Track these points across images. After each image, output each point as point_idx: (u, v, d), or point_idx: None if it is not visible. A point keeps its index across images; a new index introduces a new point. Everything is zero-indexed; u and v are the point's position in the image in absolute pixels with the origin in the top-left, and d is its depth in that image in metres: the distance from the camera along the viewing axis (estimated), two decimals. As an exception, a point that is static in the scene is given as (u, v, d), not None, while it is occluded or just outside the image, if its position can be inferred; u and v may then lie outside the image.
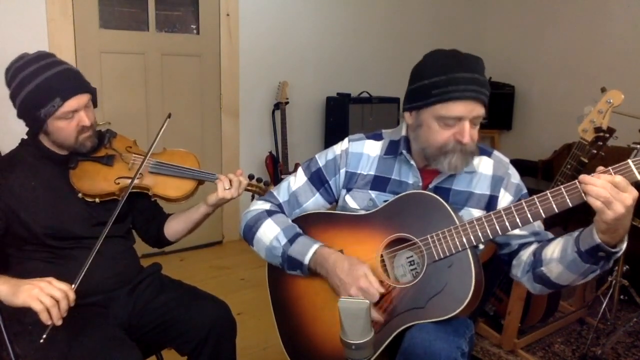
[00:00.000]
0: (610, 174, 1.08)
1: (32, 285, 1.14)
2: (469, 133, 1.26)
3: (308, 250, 1.34)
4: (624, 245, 1.15)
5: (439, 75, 1.23)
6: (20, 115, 1.42)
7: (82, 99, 1.41)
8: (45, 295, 1.13)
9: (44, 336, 1.15)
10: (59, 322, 1.15)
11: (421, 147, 1.33)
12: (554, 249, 1.25)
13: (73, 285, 1.20)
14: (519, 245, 1.36)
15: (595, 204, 1.06)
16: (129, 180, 1.48)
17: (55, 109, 1.36)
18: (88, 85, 1.45)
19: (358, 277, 1.25)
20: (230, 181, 1.55)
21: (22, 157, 1.45)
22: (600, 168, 1.10)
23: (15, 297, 1.14)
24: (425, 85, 1.25)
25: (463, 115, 1.24)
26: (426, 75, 1.26)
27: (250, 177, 1.64)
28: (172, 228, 1.64)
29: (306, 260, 1.33)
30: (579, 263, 1.19)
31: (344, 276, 1.27)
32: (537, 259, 1.29)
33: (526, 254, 1.34)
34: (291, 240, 1.37)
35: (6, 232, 1.39)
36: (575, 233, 1.22)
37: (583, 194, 1.09)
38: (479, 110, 1.25)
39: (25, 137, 1.50)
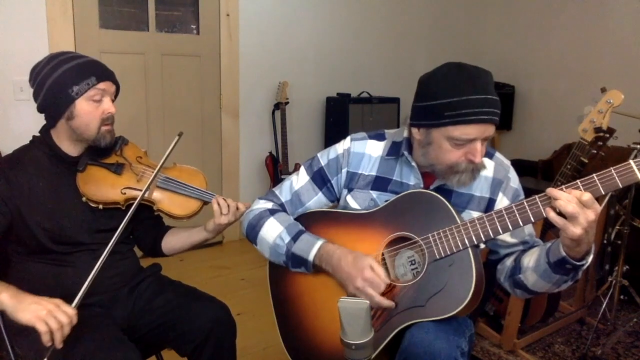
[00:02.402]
0: (579, 187, 1.11)
1: (41, 306, 1.15)
2: (480, 153, 1.26)
3: (312, 247, 1.34)
4: (590, 258, 1.19)
5: (453, 97, 1.21)
6: (46, 100, 1.40)
7: (111, 86, 1.46)
8: (52, 318, 1.14)
9: (45, 359, 1.16)
10: (60, 346, 1.15)
11: (430, 164, 1.32)
12: (530, 258, 1.30)
13: (73, 305, 1.21)
14: (505, 254, 1.40)
15: (557, 221, 1.10)
16: (136, 191, 1.47)
17: (89, 87, 1.39)
18: (116, 77, 1.50)
19: (363, 268, 1.25)
20: (229, 206, 1.50)
21: (33, 155, 1.45)
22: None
23: (21, 314, 1.15)
24: (438, 105, 1.23)
25: (476, 137, 1.24)
26: (439, 95, 1.23)
27: None
28: (170, 244, 1.63)
29: (310, 257, 1.34)
30: (550, 273, 1.23)
31: (349, 269, 1.27)
32: (516, 266, 1.33)
33: (509, 260, 1.38)
34: (295, 238, 1.37)
35: (9, 230, 1.38)
36: (549, 244, 1.25)
37: (546, 211, 1.13)
38: (490, 130, 1.26)
39: (37, 134, 1.49)
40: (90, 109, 1.41)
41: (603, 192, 1.11)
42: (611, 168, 1.09)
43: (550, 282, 1.25)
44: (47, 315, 1.14)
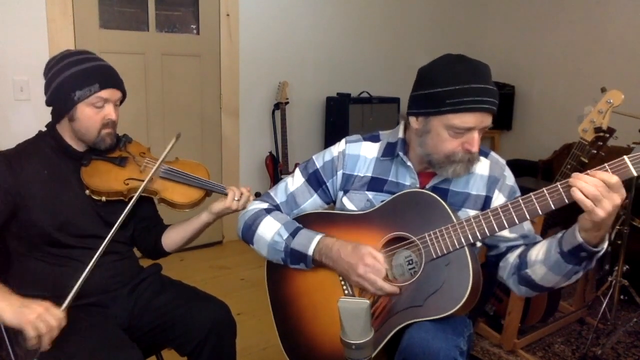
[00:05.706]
0: (607, 170, 1.09)
1: (30, 310, 1.16)
2: (477, 143, 1.26)
3: (311, 241, 1.34)
4: (605, 244, 1.18)
5: (453, 85, 1.22)
6: (52, 98, 1.46)
7: (116, 93, 1.48)
8: (41, 322, 1.15)
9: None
10: (47, 348, 1.17)
11: (427, 153, 1.32)
12: (539, 251, 1.28)
13: (63, 308, 1.22)
14: (507, 248, 1.39)
15: (585, 203, 1.08)
16: (138, 182, 1.50)
17: (91, 93, 1.42)
18: (123, 85, 1.52)
19: (363, 255, 1.26)
20: (242, 194, 1.58)
21: (38, 147, 1.48)
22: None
23: (9, 317, 1.16)
24: (438, 93, 1.24)
25: (474, 126, 1.25)
26: (439, 83, 1.24)
27: (257, 195, 1.65)
28: (170, 238, 1.64)
29: (310, 251, 1.34)
30: (562, 264, 1.21)
31: (349, 258, 1.28)
32: (522, 261, 1.31)
33: (512, 257, 1.36)
34: (293, 234, 1.37)
35: (12, 221, 1.39)
36: (559, 234, 1.24)
37: (572, 192, 1.10)
38: (488, 120, 1.27)
39: (44, 129, 1.52)
40: (91, 113, 1.44)
41: None
42: (606, 164, 1.10)
43: (561, 273, 1.23)
44: (37, 320, 1.15)
